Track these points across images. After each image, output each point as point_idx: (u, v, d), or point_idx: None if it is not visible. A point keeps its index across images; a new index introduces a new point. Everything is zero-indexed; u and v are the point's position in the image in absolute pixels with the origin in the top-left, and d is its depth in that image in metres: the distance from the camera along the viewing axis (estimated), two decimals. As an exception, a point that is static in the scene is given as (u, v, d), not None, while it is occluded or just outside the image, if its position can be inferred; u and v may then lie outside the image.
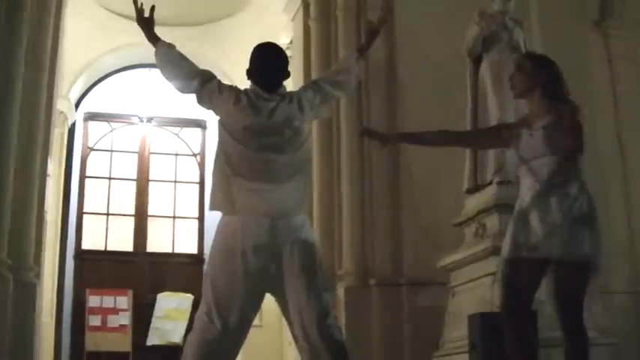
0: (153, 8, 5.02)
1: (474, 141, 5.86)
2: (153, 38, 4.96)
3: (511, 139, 4.91)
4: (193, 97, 4.87)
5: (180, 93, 4.97)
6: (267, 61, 4.78)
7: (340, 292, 9.71)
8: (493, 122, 8.26)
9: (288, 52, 12.34)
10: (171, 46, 4.92)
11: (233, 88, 4.76)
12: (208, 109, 4.86)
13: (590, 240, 4.56)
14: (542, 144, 4.72)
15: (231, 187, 4.47)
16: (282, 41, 13.00)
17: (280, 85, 4.76)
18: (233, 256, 4.38)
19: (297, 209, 4.55)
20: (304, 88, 4.93)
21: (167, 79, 4.91)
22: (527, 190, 4.77)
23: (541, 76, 4.89)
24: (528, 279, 4.71)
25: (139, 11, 4.98)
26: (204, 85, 4.76)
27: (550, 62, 4.97)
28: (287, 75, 4.83)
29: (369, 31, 5.38)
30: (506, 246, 4.79)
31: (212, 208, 4.61)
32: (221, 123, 4.68)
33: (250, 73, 4.79)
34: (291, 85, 11.43)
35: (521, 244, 4.64)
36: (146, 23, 4.98)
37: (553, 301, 4.72)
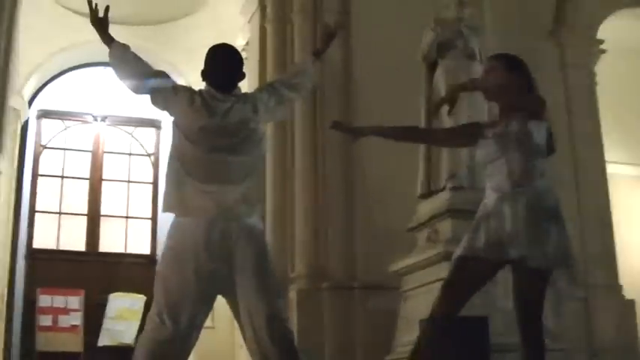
0: (107, 9, 5.01)
1: (449, 138, 5.76)
2: (107, 39, 4.94)
3: (484, 137, 4.85)
4: (147, 97, 4.86)
5: (134, 94, 4.95)
6: (222, 62, 4.79)
7: (292, 294, 9.71)
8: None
9: (244, 54, 12.48)
10: (125, 47, 4.90)
11: (187, 89, 4.76)
12: (162, 109, 4.85)
13: (555, 240, 4.51)
14: (513, 142, 4.66)
15: (183, 189, 4.47)
16: (239, 43, 13.00)
17: (235, 86, 4.76)
18: (184, 257, 4.38)
19: (250, 211, 4.54)
20: (259, 90, 4.95)
21: (121, 79, 4.89)
22: (492, 190, 4.73)
23: (515, 76, 4.85)
24: (474, 280, 4.73)
25: (94, 11, 4.97)
26: (156, 86, 4.75)
27: (522, 62, 4.94)
28: (242, 76, 4.84)
29: (326, 34, 5.36)
30: (461, 245, 4.78)
31: (165, 209, 4.60)
32: (175, 124, 4.68)
33: (205, 74, 4.79)
34: (246, 86, 11.42)
35: (479, 244, 4.62)
36: (100, 24, 4.97)
37: (514, 302, 4.70)
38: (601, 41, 12.50)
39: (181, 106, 4.64)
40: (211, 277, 4.40)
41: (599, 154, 11.76)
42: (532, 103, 4.78)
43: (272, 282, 4.50)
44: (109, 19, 5.03)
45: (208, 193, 4.41)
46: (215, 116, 4.56)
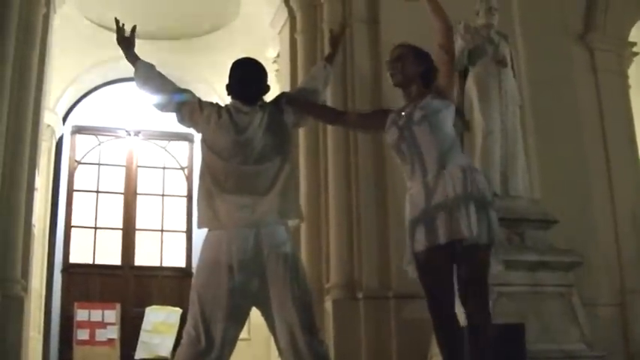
0: (134, 28, 5.07)
1: (358, 122, 5.64)
2: (132, 58, 5.01)
3: (393, 124, 4.86)
4: (174, 115, 4.90)
5: (160, 112, 5.00)
6: (245, 75, 4.82)
7: (328, 305, 9.71)
8: (479, 135, 8.33)
9: (275, 66, 12.55)
10: (150, 66, 4.96)
11: (214, 105, 4.79)
12: (189, 127, 4.90)
13: (477, 220, 4.49)
14: (422, 129, 4.67)
15: (214, 203, 4.50)
16: (270, 55, 13.06)
17: (260, 98, 4.79)
18: (218, 270, 4.40)
19: (282, 221, 4.57)
20: (280, 100, 4.97)
21: (147, 97, 4.94)
22: (414, 181, 4.72)
23: (421, 66, 4.86)
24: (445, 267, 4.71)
25: (120, 30, 5.02)
26: (183, 105, 4.79)
27: (429, 54, 4.93)
28: (267, 89, 4.88)
29: (332, 39, 5.48)
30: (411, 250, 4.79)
31: (199, 225, 4.63)
32: (203, 140, 4.72)
33: (230, 88, 4.82)
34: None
35: (420, 237, 4.64)
36: (126, 43, 5.02)
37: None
38: (633, 44, 12.44)
39: (208, 123, 4.67)
40: (245, 289, 4.41)
41: (633, 158, 11.68)
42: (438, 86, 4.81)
43: (306, 292, 4.51)
44: (136, 35, 5.09)
45: (239, 206, 4.44)
46: (241, 130, 4.60)
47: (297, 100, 5.06)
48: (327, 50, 10.54)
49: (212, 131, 4.65)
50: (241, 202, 4.45)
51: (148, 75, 4.93)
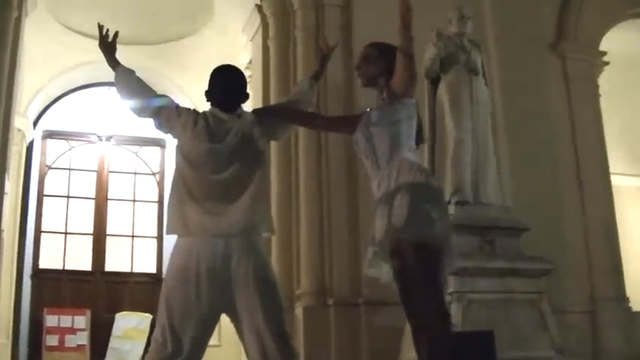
0: (116, 34, 5.06)
1: (329, 125, 5.77)
2: (114, 62, 5.00)
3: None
4: (151, 121, 4.89)
5: (137, 117, 4.99)
6: (226, 83, 4.81)
7: (298, 312, 9.71)
8: (451, 142, 8.36)
9: (248, 72, 12.53)
10: (130, 71, 4.94)
11: (191, 112, 4.77)
12: (166, 132, 4.87)
13: (408, 214, 4.33)
14: (377, 129, 4.60)
15: (185, 210, 4.48)
16: (242, 61, 13.05)
17: (239, 106, 4.79)
18: (187, 277, 4.38)
19: (252, 227, 4.54)
20: (262, 112, 4.97)
21: (125, 102, 4.93)
22: (373, 182, 4.66)
23: (385, 64, 4.76)
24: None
25: (103, 36, 5.02)
26: (160, 110, 4.78)
27: (394, 49, 4.77)
28: (246, 97, 4.87)
29: (322, 57, 5.45)
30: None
31: (168, 232, 4.61)
32: (179, 147, 4.70)
33: (209, 95, 4.82)
34: (250, 104, 11.46)
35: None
36: (108, 47, 5.02)
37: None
38: (604, 53, 12.52)
39: (184, 130, 4.66)
40: (213, 297, 4.39)
41: (603, 165, 11.76)
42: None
43: (276, 299, 4.50)
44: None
45: (209, 213, 4.42)
46: (217, 138, 4.58)
47: (275, 109, 5.07)
48: (299, 57, 10.64)
49: (188, 138, 4.64)
50: (212, 210, 4.43)
51: (128, 80, 4.91)
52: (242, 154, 4.57)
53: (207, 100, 4.84)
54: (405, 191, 4.38)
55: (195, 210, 4.45)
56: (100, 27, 5.05)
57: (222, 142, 4.58)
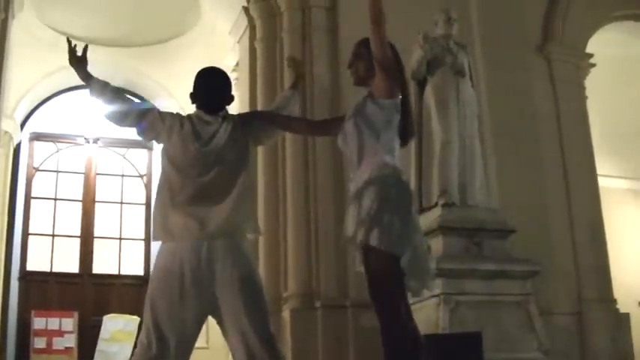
0: (86, 47, 5.02)
1: (320, 128, 5.58)
2: (86, 77, 4.94)
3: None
4: (134, 129, 4.87)
5: (119, 127, 4.97)
6: (210, 84, 4.81)
7: (286, 314, 9.72)
8: (437, 144, 8.38)
9: (235, 74, 12.53)
10: (105, 83, 4.91)
11: (175, 115, 4.76)
12: (151, 139, 4.86)
13: (371, 218, 4.26)
14: (359, 120, 4.54)
15: (169, 216, 4.46)
16: (229, 63, 13.04)
17: (223, 107, 4.78)
18: (172, 279, 4.37)
19: (236, 229, 4.53)
20: (247, 115, 4.96)
21: (105, 115, 4.90)
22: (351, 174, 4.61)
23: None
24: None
25: (72, 51, 4.97)
26: (143, 116, 4.76)
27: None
28: (231, 99, 4.86)
29: (295, 71, 5.49)
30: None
31: (154, 238, 4.60)
32: (164, 151, 4.68)
33: (194, 97, 4.81)
34: (237, 106, 11.45)
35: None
36: (79, 62, 4.97)
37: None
38: (590, 55, 12.56)
39: (170, 134, 4.64)
40: (198, 298, 4.39)
41: (590, 167, 11.80)
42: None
43: (261, 301, 4.49)
44: (88, 51, 5.04)
45: (192, 216, 4.40)
46: (203, 140, 4.57)
47: (261, 113, 5.07)
48: (285, 59, 10.67)
49: (174, 142, 4.62)
50: (195, 213, 4.42)
51: (103, 92, 4.87)
52: (227, 156, 4.56)
53: (192, 103, 4.83)
54: (371, 189, 4.32)
55: (179, 214, 4.44)
56: (69, 41, 5.00)
57: (209, 144, 4.58)
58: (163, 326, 4.37)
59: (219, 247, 4.37)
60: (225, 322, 4.45)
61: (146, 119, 4.76)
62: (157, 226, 4.55)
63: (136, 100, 4.98)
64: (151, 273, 4.65)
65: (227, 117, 4.74)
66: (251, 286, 4.43)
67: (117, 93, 4.90)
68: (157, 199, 4.64)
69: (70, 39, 5.01)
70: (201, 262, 4.35)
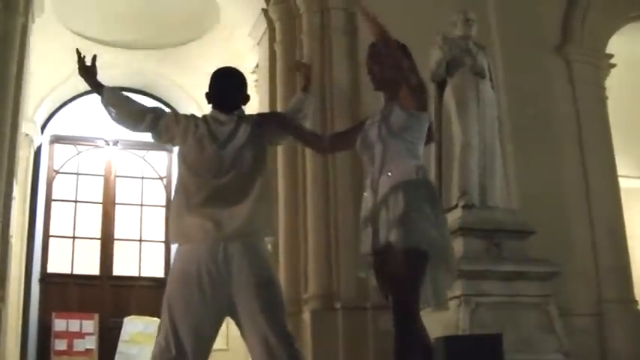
0: (94, 58, 5.02)
1: (341, 144, 5.27)
2: (97, 86, 4.94)
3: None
4: (149, 134, 4.87)
5: (133, 132, 4.98)
6: (225, 83, 4.81)
7: (306, 315, 9.72)
8: (457, 146, 8.37)
9: (254, 76, 12.54)
10: (116, 90, 4.92)
11: (190, 117, 4.76)
12: (166, 142, 4.85)
13: (396, 219, 4.26)
14: (384, 127, 4.51)
15: (185, 218, 4.46)
16: (248, 65, 13.07)
17: (238, 106, 4.77)
18: (189, 281, 4.37)
19: (253, 231, 4.51)
20: (266, 117, 4.95)
21: (118, 122, 4.90)
22: (369, 179, 4.58)
23: (403, 64, 4.60)
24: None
25: (81, 61, 4.99)
26: (157, 120, 4.76)
27: (406, 47, 4.70)
28: (246, 98, 4.86)
29: (304, 75, 5.46)
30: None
31: (171, 241, 4.62)
32: (180, 154, 4.68)
33: (209, 97, 4.82)
34: (256, 108, 11.49)
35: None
36: (89, 72, 4.98)
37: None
38: (610, 55, 12.52)
39: (185, 136, 4.64)
40: (215, 300, 4.38)
41: (610, 168, 11.75)
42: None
43: (277, 301, 4.48)
44: (96, 63, 5.04)
45: (208, 217, 4.39)
46: (219, 141, 4.57)
47: (287, 122, 4.93)
48: (306, 61, 10.64)
49: (189, 144, 4.62)
50: (211, 215, 4.40)
51: (117, 99, 4.87)
52: (244, 157, 4.55)
53: (208, 103, 4.84)
54: (400, 193, 4.30)
55: (195, 216, 4.43)
56: (78, 53, 5.02)
57: (226, 146, 4.58)
58: (180, 328, 4.37)
59: (235, 249, 4.37)
60: (242, 323, 4.46)
61: (160, 124, 4.76)
62: (173, 228, 4.56)
63: (149, 105, 4.95)
64: (168, 275, 4.65)
65: (243, 117, 4.75)
66: (268, 287, 4.43)
67: (128, 99, 4.91)
68: (173, 201, 4.66)
69: (79, 50, 5.02)
70: (218, 264, 4.35)
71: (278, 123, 4.98)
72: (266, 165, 4.70)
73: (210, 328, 4.48)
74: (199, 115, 4.84)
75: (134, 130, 4.90)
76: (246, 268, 4.36)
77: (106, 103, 4.90)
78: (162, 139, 4.81)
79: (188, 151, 4.63)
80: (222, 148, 4.56)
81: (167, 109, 4.93)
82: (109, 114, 4.93)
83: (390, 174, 4.39)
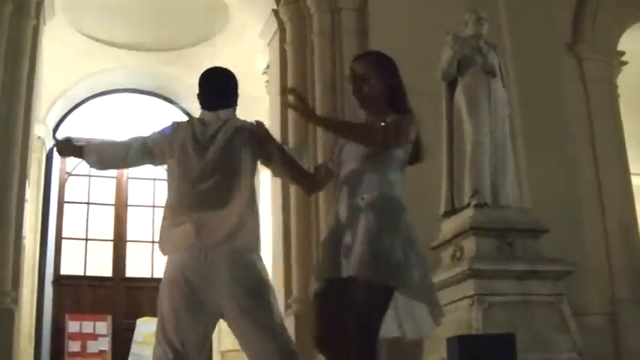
0: (69, 139, 4.97)
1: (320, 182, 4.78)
2: (80, 153, 4.88)
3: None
4: (148, 164, 4.83)
5: (131, 168, 4.95)
6: (211, 84, 4.75)
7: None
8: (469, 145, 8.35)
9: (265, 77, 12.52)
10: (98, 144, 4.86)
11: (173, 124, 4.68)
12: (161, 160, 4.70)
13: (364, 257, 3.94)
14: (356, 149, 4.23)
15: (170, 226, 4.43)
16: (259, 66, 13.09)
17: (224, 105, 4.69)
18: (176, 290, 4.30)
19: (237, 238, 4.36)
20: (260, 137, 4.58)
21: (108, 166, 4.89)
22: (338, 202, 4.29)
23: (387, 81, 4.45)
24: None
25: (60, 145, 4.96)
26: (145, 144, 4.67)
27: (393, 66, 4.55)
28: (234, 98, 4.77)
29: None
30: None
31: (161, 252, 4.57)
32: (169, 166, 4.63)
33: (198, 97, 4.78)
34: (268, 107, 11.51)
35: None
36: (69, 150, 4.95)
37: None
38: (622, 53, 12.48)
39: (170, 144, 4.56)
40: (203, 307, 4.33)
41: (623, 166, 11.73)
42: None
43: (273, 320, 4.34)
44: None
45: (190, 223, 4.29)
46: (200, 144, 4.46)
47: (274, 149, 4.53)
48: (316, 62, 10.69)
49: (174, 150, 4.56)
50: (193, 221, 4.27)
51: (100, 151, 4.81)
52: (227, 160, 4.46)
53: (200, 104, 4.80)
54: (370, 215, 4.05)
55: (178, 225, 4.37)
56: (56, 140, 4.98)
57: (208, 148, 4.47)
58: (171, 332, 4.34)
59: (217, 256, 4.28)
60: (232, 330, 4.43)
61: (147, 144, 4.68)
62: (160, 239, 4.54)
63: (132, 138, 4.83)
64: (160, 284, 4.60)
65: (232, 119, 4.65)
66: (253, 295, 4.30)
67: (111, 145, 4.86)
68: (162, 216, 4.60)
69: (56, 139, 4.97)
70: (202, 272, 4.28)
71: (268, 153, 4.58)
72: (249, 170, 4.53)
73: (202, 332, 4.40)
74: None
75: (125, 166, 4.86)
76: (228, 276, 4.23)
77: (94, 162, 4.85)
78: (157, 159, 4.71)
79: (172, 157, 4.57)
80: (204, 150, 4.48)
81: (152, 133, 4.80)
82: (95, 165, 4.90)
83: (363, 197, 4.13)
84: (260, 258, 4.46)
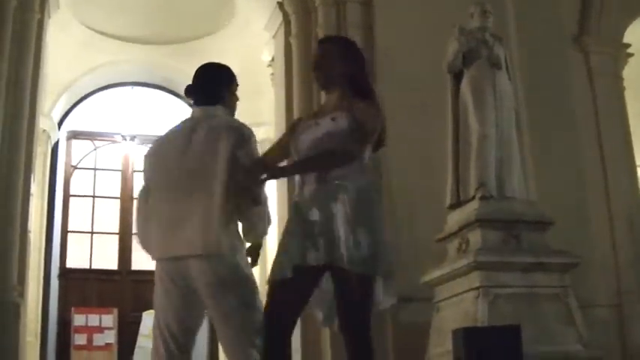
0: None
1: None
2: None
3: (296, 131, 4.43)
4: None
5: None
6: (196, 81, 4.72)
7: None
8: (474, 137, 8.33)
9: (270, 70, 12.51)
10: None
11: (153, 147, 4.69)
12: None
13: (352, 243, 3.95)
14: (325, 135, 4.21)
15: (150, 235, 4.40)
16: (264, 58, 13.09)
17: (208, 101, 4.62)
18: (164, 289, 4.33)
19: (214, 246, 4.20)
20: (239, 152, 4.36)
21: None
22: (301, 187, 4.27)
23: (350, 64, 4.44)
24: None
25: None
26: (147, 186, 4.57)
27: (358, 53, 4.55)
28: (221, 93, 4.68)
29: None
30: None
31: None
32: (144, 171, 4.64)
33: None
34: (274, 100, 11.51)
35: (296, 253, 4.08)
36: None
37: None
38: (627, 45, 12.45)
39: (148, 162, 4.60)
40: (186, 306, 4.33)
41: (629, 159, 11.72)
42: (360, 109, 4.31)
43: (244, 327, 4.24)
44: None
45: (169, 231, 4.27)
46: (178, 142, 4.45)
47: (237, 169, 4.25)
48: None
49: (150, 164, 4.58)
50: (171, 229, 4.26)
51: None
52: (203, 166, 4.32)
53: None
54: (357, 221, 4.02)
55: (156, 232, 4.35)
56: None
57: (185, 146, 4.38)
58: (165, 328, 4.34)
59: (192, 264, 4.21)
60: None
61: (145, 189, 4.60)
62: (138, 237, 4.54)
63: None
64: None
65: (218, 115, 4.56)
66: (230, 304, 4.22)
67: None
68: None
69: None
70: (179, 280, 4.24)
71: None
72: (227, 175, 4.27)
73: (190, 329, 4.42)
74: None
75: None
76: (204, 284, 4.20)
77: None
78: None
79: (148, 169, 4.57)
80: (184, 147, 4.41)
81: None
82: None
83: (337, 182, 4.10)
84: (234, 257, 4.28)
